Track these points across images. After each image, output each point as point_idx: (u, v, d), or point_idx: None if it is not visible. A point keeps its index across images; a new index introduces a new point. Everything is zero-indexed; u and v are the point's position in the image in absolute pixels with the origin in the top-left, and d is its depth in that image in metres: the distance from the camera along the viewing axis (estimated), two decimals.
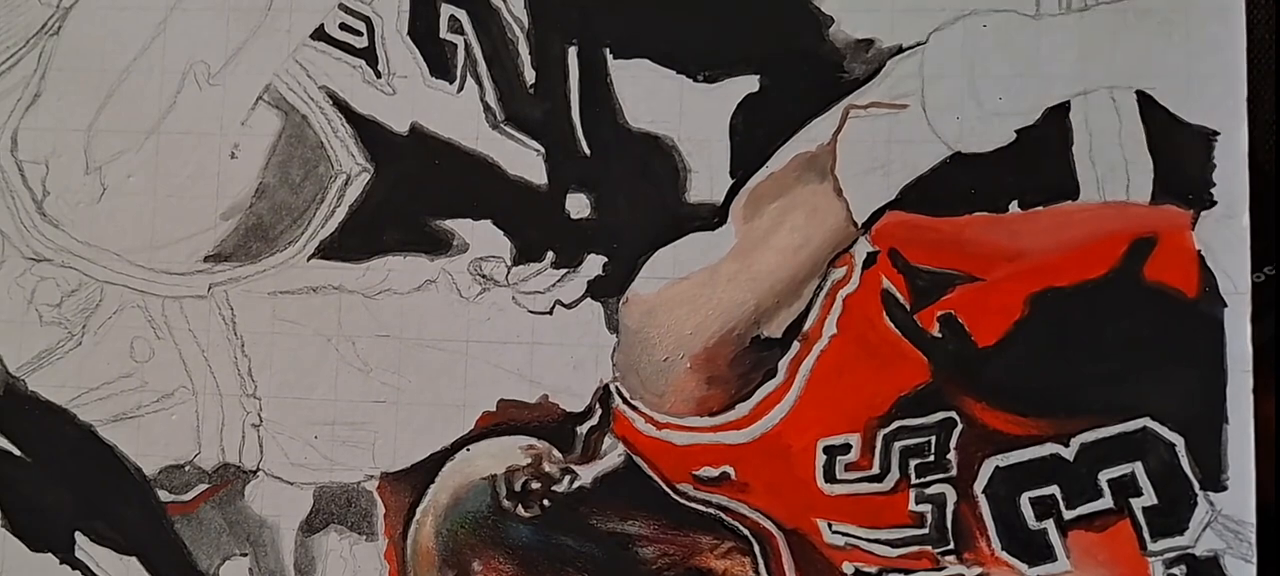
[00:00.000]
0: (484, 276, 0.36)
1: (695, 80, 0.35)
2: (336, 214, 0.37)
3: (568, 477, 0.35)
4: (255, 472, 0.37)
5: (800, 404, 0.35)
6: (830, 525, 0.34)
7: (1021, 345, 0.34)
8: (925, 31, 0.34)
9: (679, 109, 0.35)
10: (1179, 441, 0.33)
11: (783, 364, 0.35)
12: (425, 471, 0.36)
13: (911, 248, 0.34)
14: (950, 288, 0.34)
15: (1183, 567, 0.33)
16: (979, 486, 0.34)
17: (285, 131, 0.37)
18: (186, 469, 0.37)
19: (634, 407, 0.35)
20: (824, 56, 0.35)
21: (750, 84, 0.35)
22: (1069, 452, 0.34)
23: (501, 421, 0.36)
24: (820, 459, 0.34)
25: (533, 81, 0.36)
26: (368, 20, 0.37)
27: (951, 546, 0.34)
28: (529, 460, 0.36)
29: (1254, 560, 0.33)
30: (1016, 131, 0.34)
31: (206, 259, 0.37)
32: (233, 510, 0.37)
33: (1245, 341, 0.33)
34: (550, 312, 0.36)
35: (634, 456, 0.35)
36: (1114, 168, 0.34)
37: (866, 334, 0.34)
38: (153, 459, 0.37)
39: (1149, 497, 0.33)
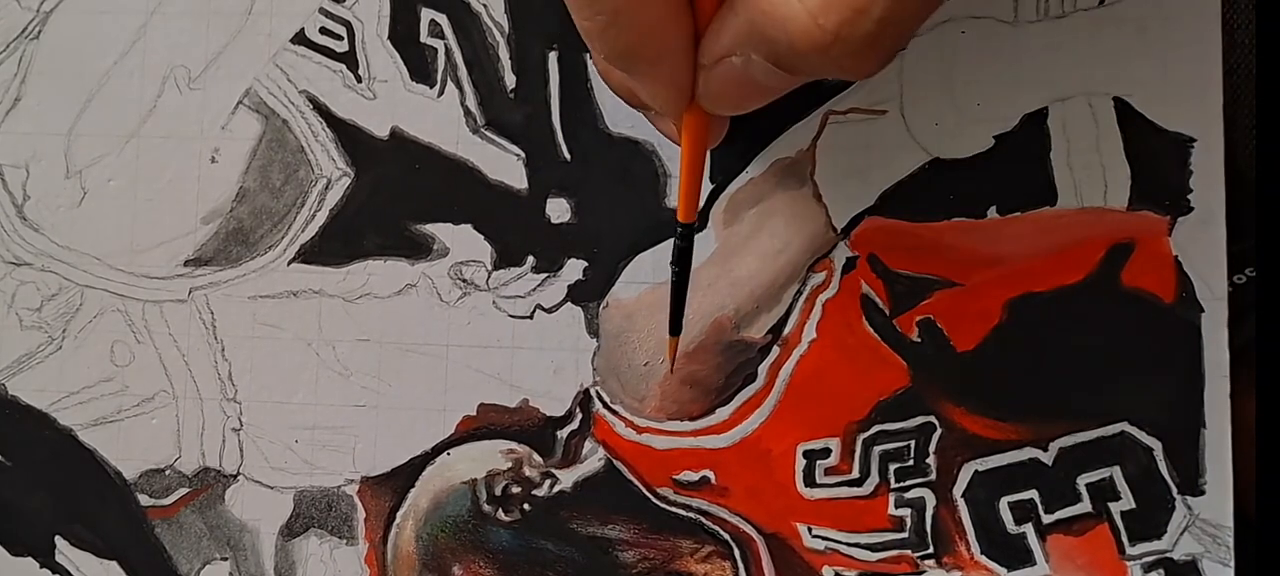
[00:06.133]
0: (464, 281, 0.36)
1: None
2: (317, 218, 0.37)
3: (548, 481, 0.36)
4: (235, 476, 0.37)
5: (780, 408, 0.35)
6: (810, 529, 0.35)
7: (1000, 350, 0.34)
8: None
9: None
10: (1157, 446, 0.33)
11: (762, 368, 0.35)
12: (405, 475, 0.36)
13: (890, 253, 0.34)
14: (929, 293, 0.34)
15: (1161, 571, 0.33)
16: (958, 490, 0.34)
17: (266, 135, 0.37)
18: (167, 473, 0.37)
19: (614, 412, 0.35)
20: None
21: None
22: (1047, 457, 0.34)
23: (482, 425, 0.36)
24: (800, 463, 0.35)
25: (513, 86, 0.36)
26: (348, 24, 0.37)
27: (931, 550, 0.34)
28: (509, 464, 0.36)
29: (1232, 564, 0.33)
30: (995, 137, 0.34)
31: (187, 263, 0.37)
32: (213, 514, 0.37)
33: (1222, 346, 0.33)
34: (530, 317, 0.36)
35: (614, 460, 0.35)
36: (1091, 174, 0.34)
37: (846, 338, 0.34)
38: (133, 463, 0.37)
39: (1127, 502, 0.33)
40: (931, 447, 0.34)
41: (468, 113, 0.36)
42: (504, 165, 0.36)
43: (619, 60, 0.27)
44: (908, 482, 0.34)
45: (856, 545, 0.34)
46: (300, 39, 0.37)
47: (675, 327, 0.33)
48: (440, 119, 0.36)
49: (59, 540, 0.37)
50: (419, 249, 0.36)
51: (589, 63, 0.36)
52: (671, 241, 0.35)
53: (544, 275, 0.36)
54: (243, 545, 0.37)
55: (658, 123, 0.33)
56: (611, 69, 0.29)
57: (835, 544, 0.34)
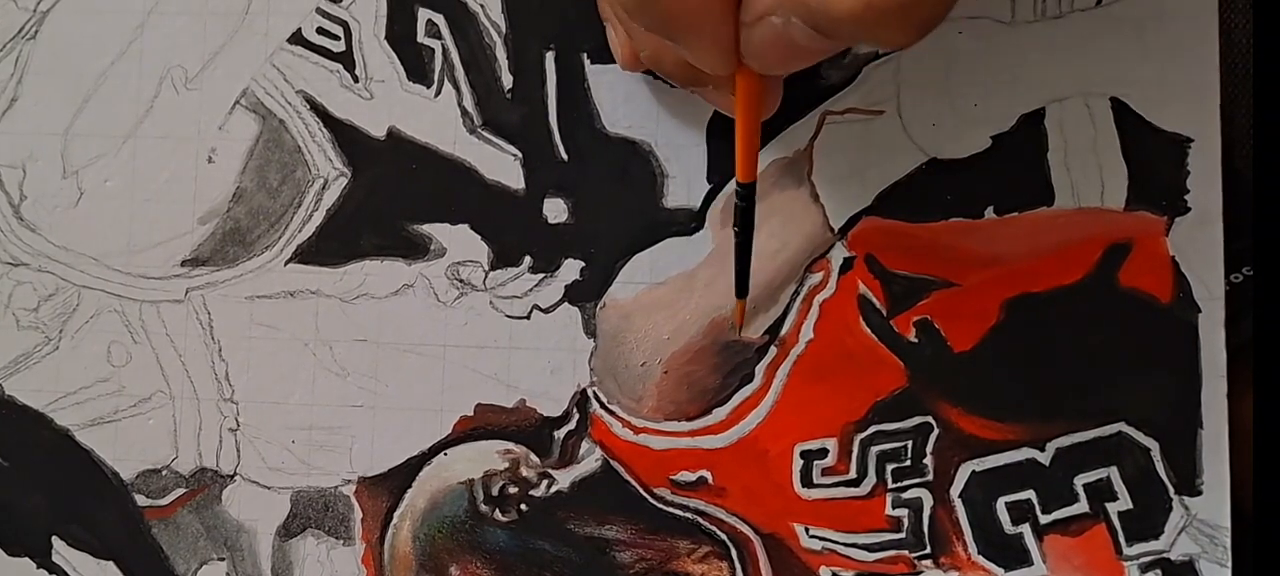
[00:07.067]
0: (461, 281, 0.36)
1: (672, 86, 0.35)
2: (314, 218, 0.37)
3: (545, 482, 0.35)
4: (232, 477, 0.37)
5: (777, 408, 0.35)
6: (807, 529, 0.35)
7: (997, 350, 0.34)
8: None
9: (656, 114, 0.35)
10: (1154, 446, 0.33)
11: (759, 369, 0.35)
12: (402, 476, 0.36)
13: (888, 253, 0.34)
14: (926, 293, 0.34)
15: (1158, 572, 0.33)
16: (955, 491, 0.34)
17: (263, 136, 0.37)
18: (164, 473, 0.37)
19: (611, 412, 0.35)
20: None
21: None
22: (1045, 457, 0.34)
23: (479, 426, 0.36)
24: (797, 463, 0.35)
25: (510, 86, 0.36)
26: (345, 24, 0.37)
27: (928, 551, 0.34)
28: (506, 464, 0.36)
29: (1229, 564, 0.33)
30: (992, 138, 0.34)
31: (184, 263, 0.37)
32: (210, 514, 0.37)
33: (1219, 346, 0.33)
34: (527, 317, 0.36)
35: (611, 461, 0.35)
36: (1088, 174, 0.34)
37: (843, 339, 0.34)
38: (130, 463, 0.37)
39: (1124, 502, 0.33)
40: (929, 448, 0.34)
41: (465, 113, 0.36)
42: (501, 165, 0.36)
43: (660, 29, 0.27)
44: (905, 483, 0.34)
45: (853, 545, 0.34)
46: (297, 39, 0.37)
47: (741, 290, 0.33)
48: (437, 119, 0.36)
49: (56, 540, 0.37)
50: (416, 249, 0.36)
51: (586, 63, 0.36)
52: (667, 242, 0.35)
53: (541, 275, 0.36)
54: (239, 545, 0.37)
55: (714, 98, 0.33)
56: (662, 51, 0.29)
57: (832, 544, 0.34)
